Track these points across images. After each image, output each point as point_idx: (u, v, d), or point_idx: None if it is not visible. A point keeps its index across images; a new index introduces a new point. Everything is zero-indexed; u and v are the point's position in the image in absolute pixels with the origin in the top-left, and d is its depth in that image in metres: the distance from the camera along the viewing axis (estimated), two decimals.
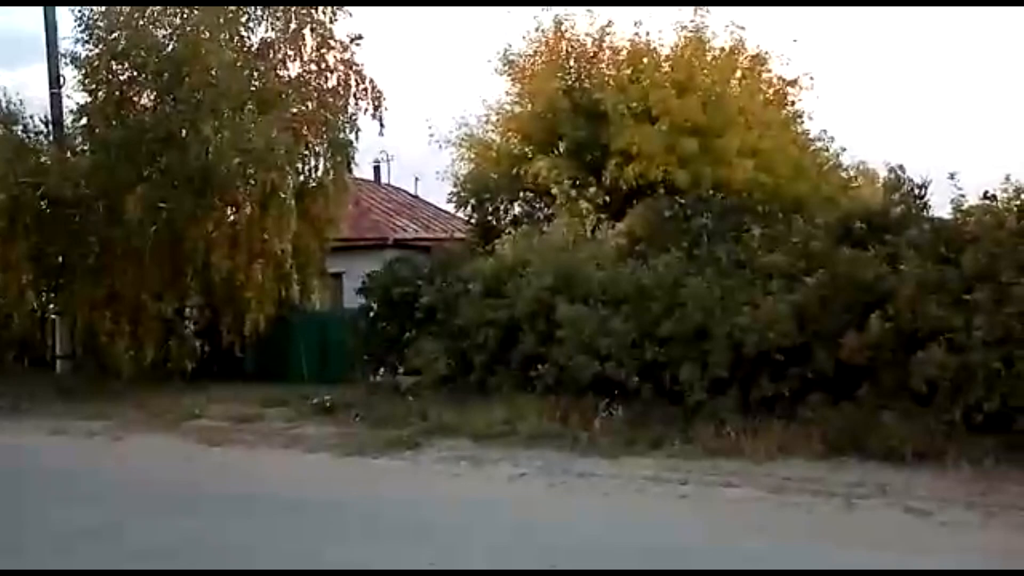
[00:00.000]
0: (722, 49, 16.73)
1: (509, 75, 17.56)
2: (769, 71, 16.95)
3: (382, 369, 12.07)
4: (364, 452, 9.29)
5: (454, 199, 17.12)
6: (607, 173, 15.50)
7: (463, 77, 40.61)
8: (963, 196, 10.30)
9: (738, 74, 16.80)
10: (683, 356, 10.18)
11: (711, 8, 16.47)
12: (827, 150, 17.73)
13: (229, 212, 14.26)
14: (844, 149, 18.25)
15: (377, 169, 21.72)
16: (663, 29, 16.97)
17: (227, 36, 14.54)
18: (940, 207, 10.82)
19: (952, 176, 10.46)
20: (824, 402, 9.30)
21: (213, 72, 13.91)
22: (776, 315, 9.79)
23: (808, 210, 12.95)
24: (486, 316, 11.38)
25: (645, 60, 16.59)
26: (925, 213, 10.78)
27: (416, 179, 22.86)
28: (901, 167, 11.21)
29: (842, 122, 39.23)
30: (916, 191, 10.94)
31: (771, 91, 17.07)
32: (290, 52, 15.24)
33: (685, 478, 8.29)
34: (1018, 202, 9.77)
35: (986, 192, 10.12)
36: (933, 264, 9.39)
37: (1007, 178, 10.03)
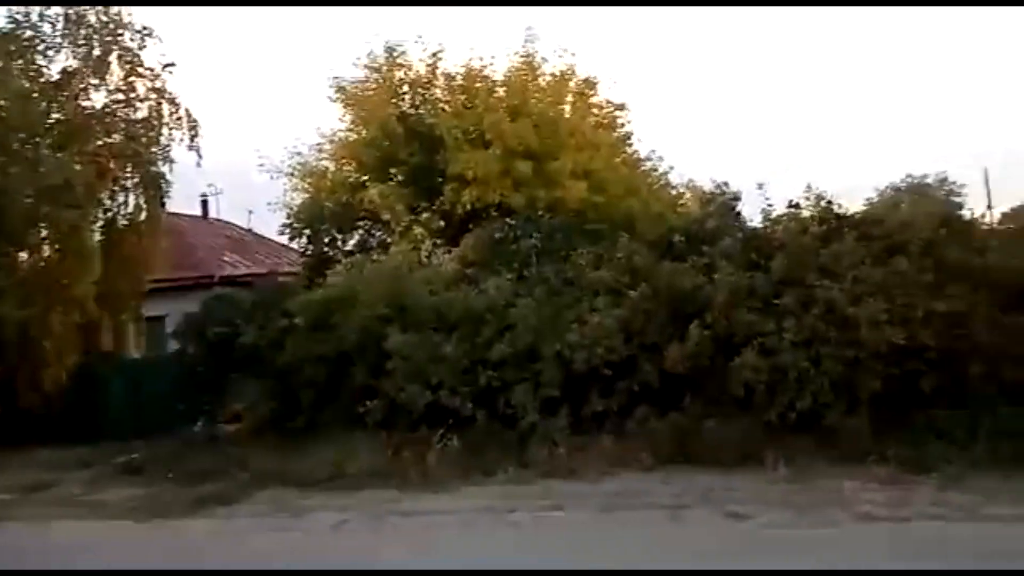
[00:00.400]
0: (553, 75, 17.01)
1: (342, 102, 17.09)
2: (598, 95, 17.38)
3: (201, 418, 11.10)
4: (169, 514, 8.36)
5: (287, 231, 16.35)
6: (444, 198, 15.28)
7: (295, 106, 39.45)
8: (771, 206, 10.82)
9: (569, 98, 17.10)
10: (516, 378, 10.00)
11: (542, 37, 16.73)
12: (656, 169, 18.36)
13: (22, 257, 12.84)
14: (672, 168, 18.98)
15: (205, 203, 20.51)
16: (496, 55, 17.08)
17: (22, 65, 13.26)
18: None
19: (760, 187, 10.99)
20: (651, 414, 9.35)
21: (2, 104, 12.60)
22: (603, 330, 9.81)
23: (639, 227, 13.21)
24: (313, 351, 10.77)
25: (479, 85, 16.60)
26: (740, 223, 11.20)
27: (250, 212, 21.82)
28: (725, 183, 11.65)
29: (671, 143, 41.20)
30: (730, 203, 11.37)
31: (602, 114, 17.48)
32: (94, 81, 14.08)
33: (515, 506, 8.01)
34: (818, 209, 10.31)
35: (791, 201, 10.67)
36: (745, 272, 9.71)
37: (808, 187, 10.60)
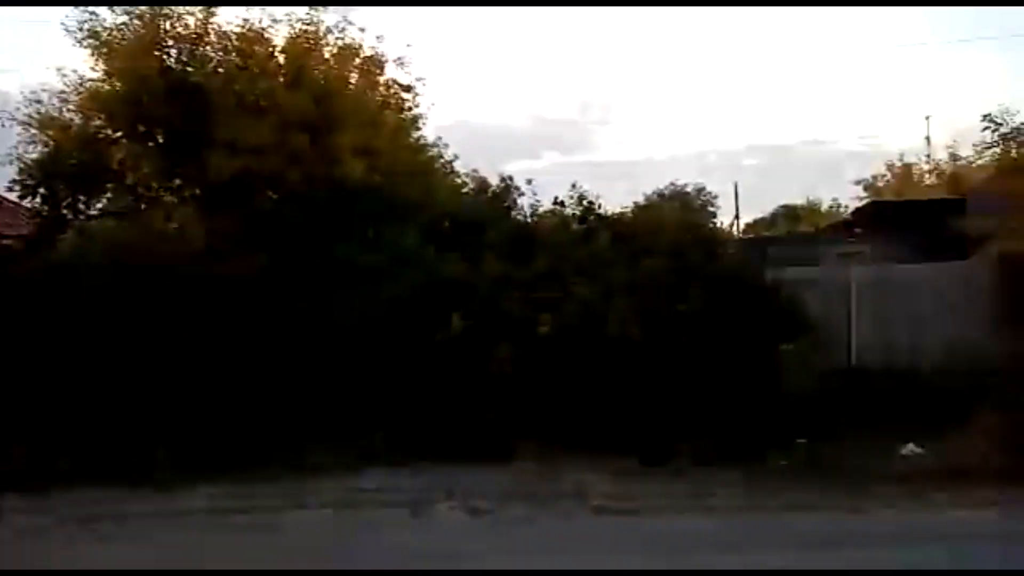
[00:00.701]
0: (339, 47, 16.20)
1: (94, 49, 15.10)
2: (385, 74, 16.81)
3: None
4: None
5: (17, 187, 14.15)
6: (209, 165, 14.00)
7: (40, 48, 34.56)
8: (539, 201, 11.00)
9: (354, 74, 16.39)
10: (266, 367, 9.29)
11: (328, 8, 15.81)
12: (442, 156, 18.14)
13: None
14: (457, 156, 18.88)
15: None
16: (279, 18, 15.95)
17: None
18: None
19: (529, 182, 11.16)
20: (409, 405, 9.08)
21: None
22: (367, 316, 9.40)
23: (417, 212, 12.92)
24: (27, 328, 9.30)
25: (256, 48, 15.40)
26: (509, 216, 11.26)
27: None
28: (510, 177, 11.73)
29: (457, 131, 41.45)
30: (502, 194, 11.42)
31: (388, 94, 16.93)
32: None
33: (248, 506, 7.41)
34: (580, 208, 10.61)
35: (556, 198, 10.90)
36: (509, 264, 9.75)
37: (573, 186, 10.87)
